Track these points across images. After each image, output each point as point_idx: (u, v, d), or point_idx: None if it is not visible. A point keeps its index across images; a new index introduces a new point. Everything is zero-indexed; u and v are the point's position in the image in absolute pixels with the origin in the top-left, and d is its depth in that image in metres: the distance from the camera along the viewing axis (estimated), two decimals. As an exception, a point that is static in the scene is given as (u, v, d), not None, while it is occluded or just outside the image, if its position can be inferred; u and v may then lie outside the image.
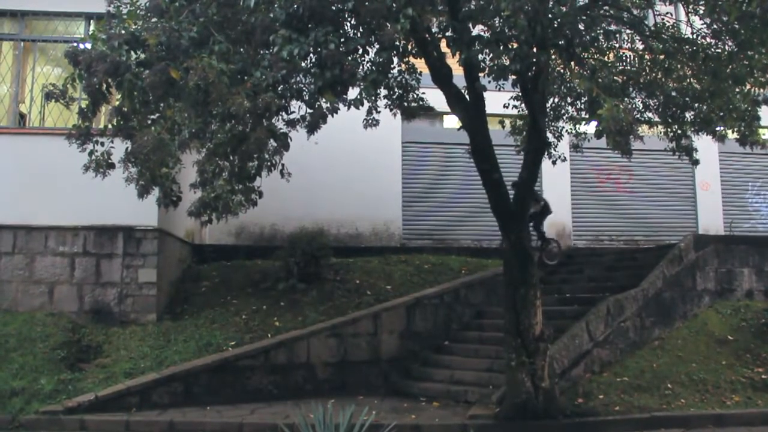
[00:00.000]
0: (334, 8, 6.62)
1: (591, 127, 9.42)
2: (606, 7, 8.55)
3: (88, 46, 6.92)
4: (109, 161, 7.53)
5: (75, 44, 7.38)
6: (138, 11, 7.28)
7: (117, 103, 7.35)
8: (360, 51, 6.92)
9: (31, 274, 10.82)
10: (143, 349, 9.94)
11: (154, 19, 6.89)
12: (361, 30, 7.00)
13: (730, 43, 8.76)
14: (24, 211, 10.77)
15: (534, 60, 7.02)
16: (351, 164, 14.72)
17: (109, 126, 7.56)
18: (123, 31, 6.78)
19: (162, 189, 7.74)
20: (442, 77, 8.29)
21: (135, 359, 9.69)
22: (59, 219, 10.85)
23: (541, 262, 12.56)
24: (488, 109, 8.72)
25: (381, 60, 6.80)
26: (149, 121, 7.33)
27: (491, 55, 7.32)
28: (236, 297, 11.62)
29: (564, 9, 6.83)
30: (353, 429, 6.13)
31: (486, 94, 8.30)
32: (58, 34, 11.91)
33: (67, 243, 10.93)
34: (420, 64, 8.77)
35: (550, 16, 6.80)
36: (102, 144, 7.54)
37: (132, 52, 6.69)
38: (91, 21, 11.58)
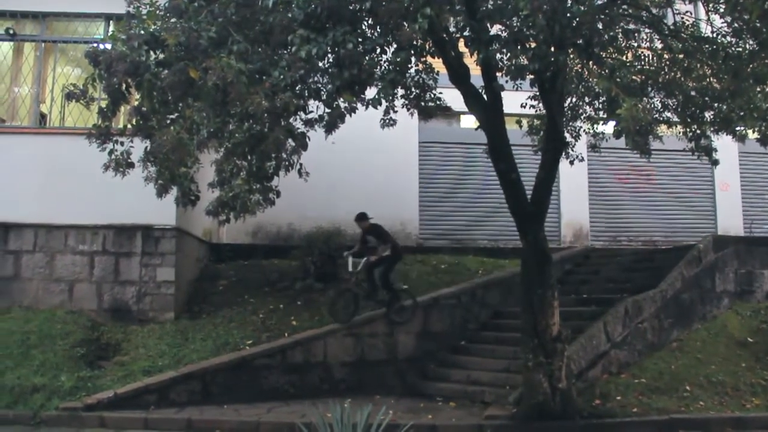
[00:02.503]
0: (351, 8, 6.65)
1: (609, 127, 9.38)
2: (625, 6, 8.48)
3: (108, 46, 7.00)
4: (129, 161, 7.58)
5: (95, 45, 7.47)
6: (157, 12, 7.33)
7: (136, 102, 7.42)
8: (378, 51, 6.95)
9: (52, 272, 10.96)
10: (161, 347, 10.03)
11: (173, 20, 6.95)
12: (378, 30, 7.00)
13: (751, 42, 8.64)
14: (44, 210, 10.90)
15: (552, 59, 6.96)
16: (368, 164, 14.71)
17: (129, 126, 7.63)
18: (142, 32, 6.86)
19: (180, 188, 7.76)
20: (459, 77, 8.27)
21: (153, 357, 9.78)
22: (79, 218, 10.97)
23: (389, 319, 10.82)
24: (506, 109, 8.68)
25: (399, 60, 6.82)
26: (168, 121, 7.36)
27: (509, 54, 7.30)
28: (253, 296, 11.68)
29: (582, 8, 6.77)
30: (370, 429, 6.13)
31: (503, 94, 8.28)
32: (78, 35, 12.06)
33: (87, 241, 11.05)
34: (437, 63, 8.75)
35: (568, 15, 6.76)
36: (121, 143, 7.60)
37: (151, 53, 6.76)
38: (111, 22, 11.69)
